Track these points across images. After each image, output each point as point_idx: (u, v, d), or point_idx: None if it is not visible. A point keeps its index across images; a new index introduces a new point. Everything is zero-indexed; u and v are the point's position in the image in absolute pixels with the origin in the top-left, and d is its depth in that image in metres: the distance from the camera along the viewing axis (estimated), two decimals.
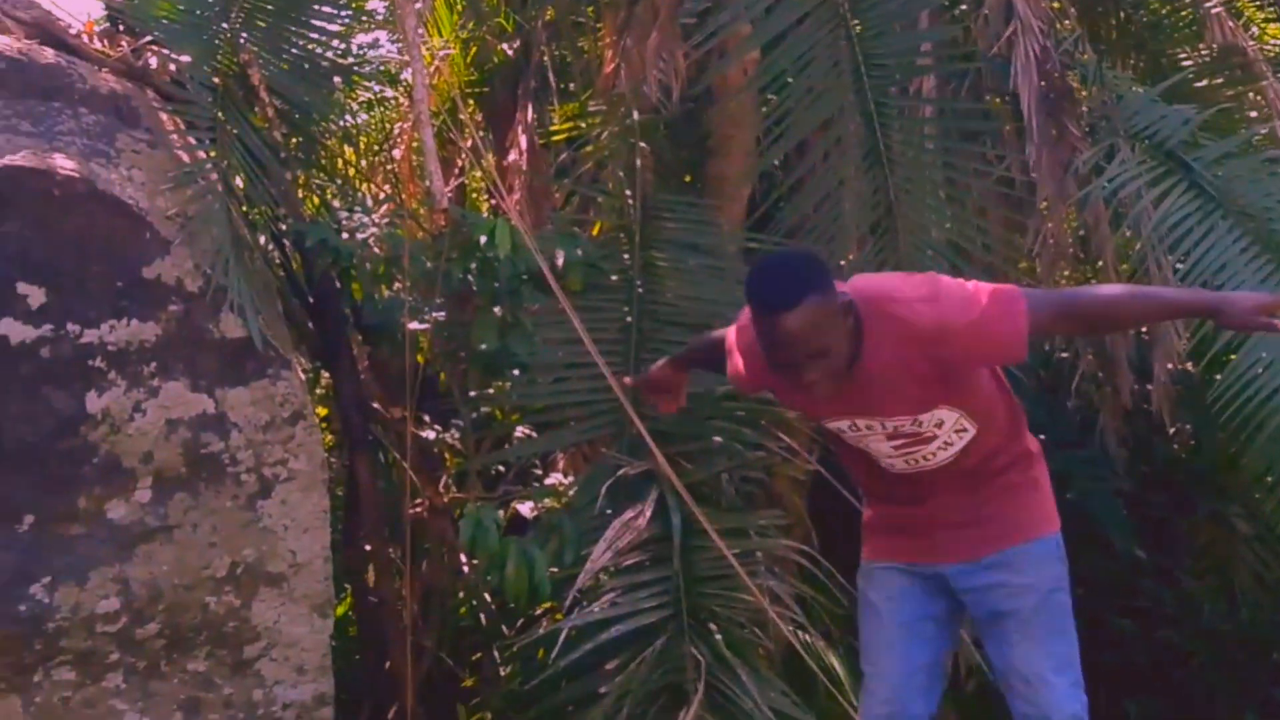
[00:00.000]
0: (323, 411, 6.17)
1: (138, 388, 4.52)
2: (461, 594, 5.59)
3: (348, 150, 6.94)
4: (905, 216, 5.76)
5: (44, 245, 4.44)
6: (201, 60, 5.37)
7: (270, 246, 5.67)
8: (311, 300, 5.58)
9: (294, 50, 5.90)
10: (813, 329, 3.44)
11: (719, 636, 4.80)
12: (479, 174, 6.89)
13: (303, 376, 4.95)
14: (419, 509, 5.44)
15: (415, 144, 6.33)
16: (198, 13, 5.59)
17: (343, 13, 6.32)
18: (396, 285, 5.40)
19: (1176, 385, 5.94)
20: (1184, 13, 6.90)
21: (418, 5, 5.81)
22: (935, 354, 3.62)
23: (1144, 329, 5.95)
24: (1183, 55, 6.77)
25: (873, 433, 3.79)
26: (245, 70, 5.52)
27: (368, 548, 5.45)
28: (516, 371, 5.59)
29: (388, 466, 5.64)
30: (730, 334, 3.93)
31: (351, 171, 6.96)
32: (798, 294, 3.45)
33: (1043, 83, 5.82)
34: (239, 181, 5.16)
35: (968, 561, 3.92)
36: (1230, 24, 6.43)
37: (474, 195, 7.20)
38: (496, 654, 5.50)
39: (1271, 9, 7.92)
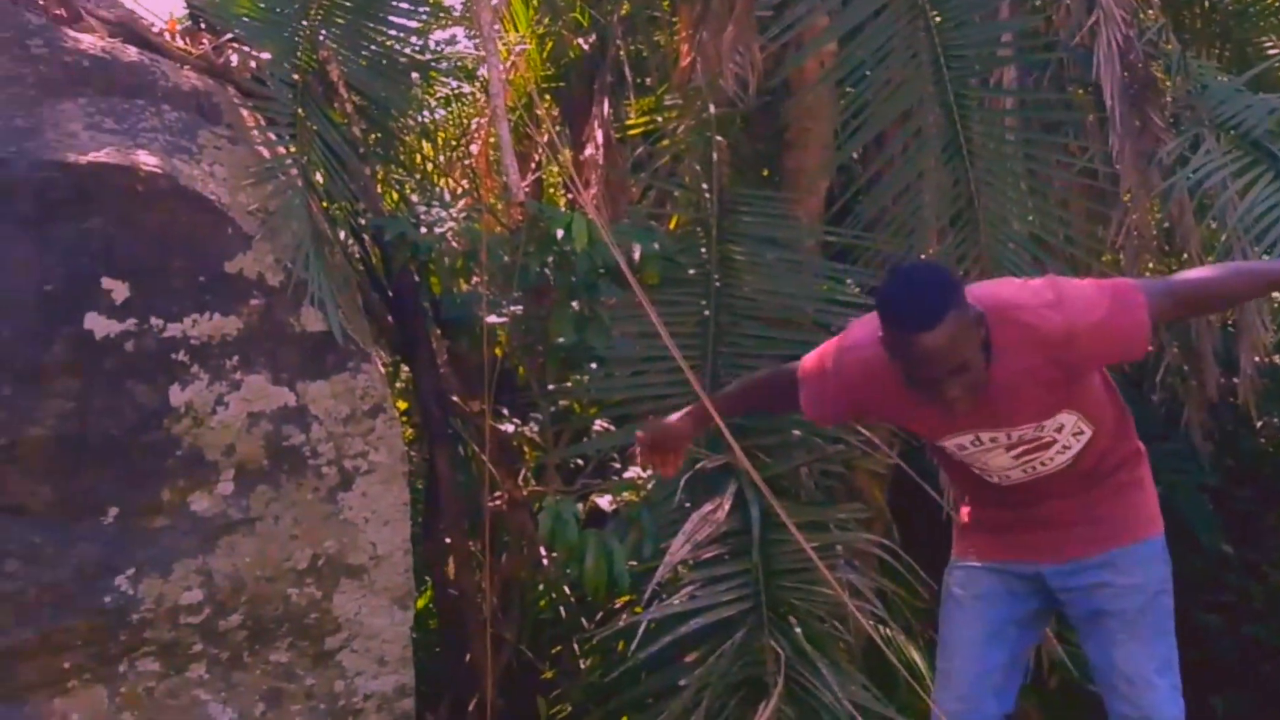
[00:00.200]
0: (403, 405, 6.19)
1: (220, 381, 4.56)
2: (541, 587, 5.59)
3: (426, 145, 6.96)
4: (986, 209, 5.71)
5: (127, 241, 4.48)
6: (281, 57, 5.41)
7: (350, 241, 5.71)
8: (391, 294, 5.61)
9: (372, 47, 5.95)
10: (954, 345, 3.42)
11: (799, 630, 4.78)
12: (556, 169, 6.90)
13: (382, 370, 4.97)
14: (498, 502, 5.45)
15: (492, 139, 6.34)
16: (278, 10, 5.64)
17: (420, 9, 6.36)
18: (475, 279, 5.40)
19: (1263, 378, 5.85)
20: (1270, 1, 6.80)
21: (494, 1, 5.82)
22: (1063, 358, 3.60)
23: (1230, 320, 5.86)
24: (1268, 44, 6.69)
25: (996, 445, 3.75)
26: (324, 67, 5.58)
27: (448, 540, 5.46)
28: (594, 365, 5.59)
29: (467, 460, 5.65)
30: (810, 364, 3.87)
31: (430, 166, 6.99)
32: (939, 311, 3.42)
33: (1125, 73, 5.76)
34: (319, 177, 5.19)
35: (1072, 561, 3.90)
36: None
37: (551, 190, 7.21)
38: (576, 647, 5.50)
39: None
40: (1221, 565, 6.08)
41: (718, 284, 5.75)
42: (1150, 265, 6.07)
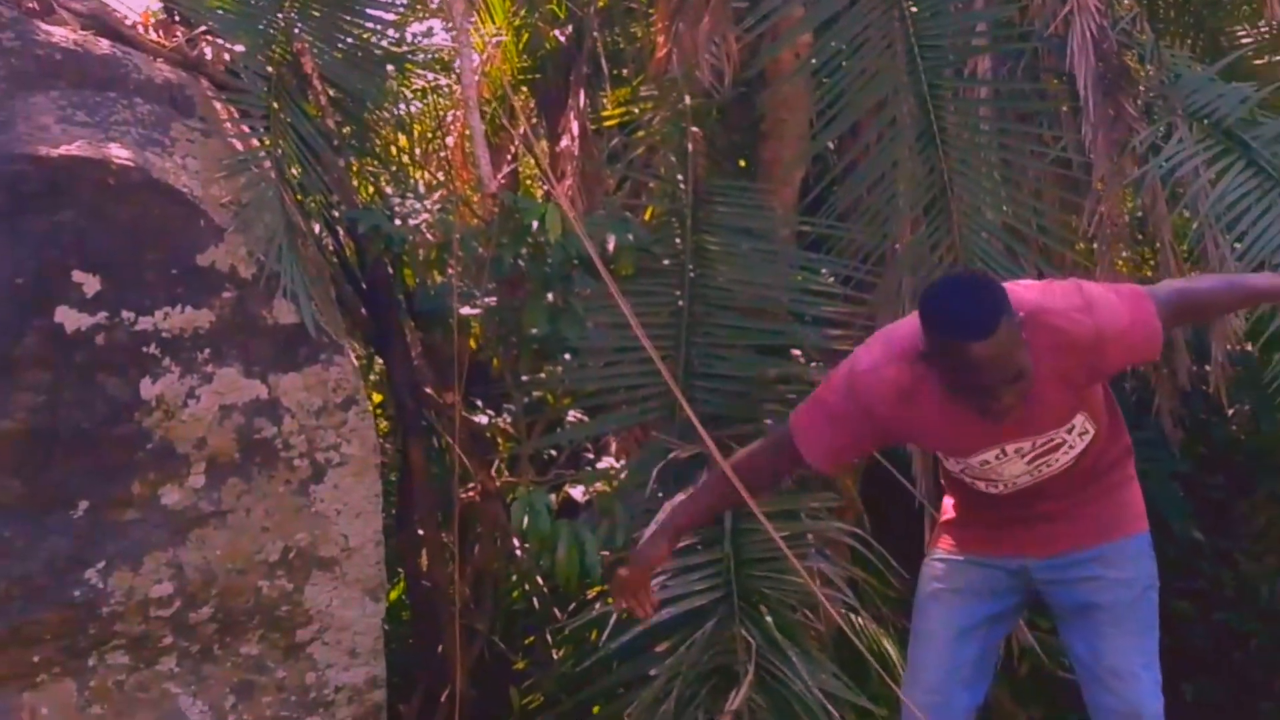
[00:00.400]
0: (378, 398, 6.21)
1: (191, 374, 4.57)
2: (514, 578, 5.61)
3: (401, 138, 6.97)
4: (960, 198, 5.72)
5: (99, 234, 4.49)
6: (255, 50, 5.42)
7: (324, 234, 5.71)
8: (364, 286, 5.63)
9: (348, 40, 5.94)
10: (1010, 352, 3.40)
11: (769, 619, 4.80)
12: (532, 161, 6.90)
13: (355, 362, 4.99)
14: (471, 493, 5.46)
15: (467, 131, 6.35)
16: (251, 3, 5.65)
17: (397, 1, 6.36)
18: (449, 271, 5.41)
19: (1234, 365, 5.88)
20: None
21: None
22: (1090, 362, 3.61)
23: None
24: (1241, 33, 6.70)
25: (1020, 455, 3.75)
26: (299, 59, 5.57)
27: (420, 532, 5.48)
28: (568, 356, 5.61)
29: (441, 451, 5.66)
30: (804, 410, 3.81)
31: (405, 159, 6.99)
32: (994, 318, 3.40)
33: (1099, 63, 5.76)
34: (292, 170, 5.19)
35: (1063, 555, 3.91)
36: None
37: (528, 182, 7.22)
38: (549, 637, 5.52)
39: None
40: (1193, 552, 6.11)
41: (692, 274, 5.75)
42: (1125, 254, 6.10)
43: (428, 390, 5.61)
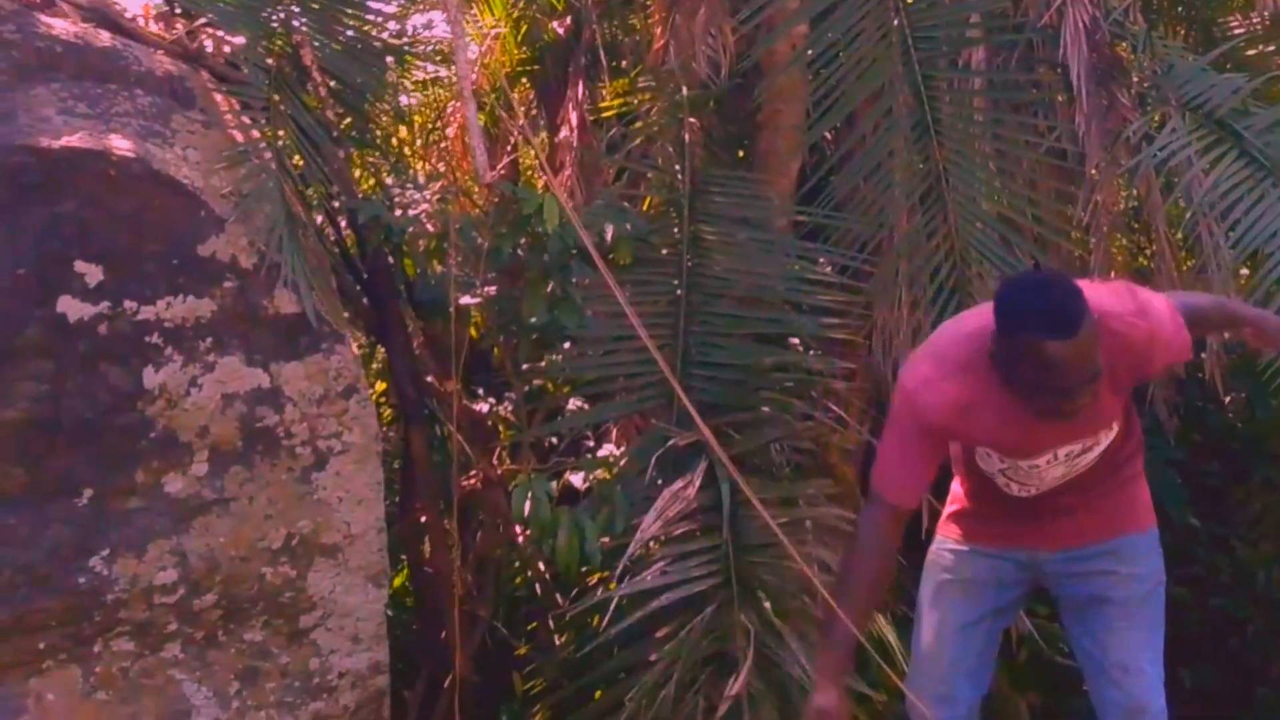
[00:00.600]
0: (380, 386, 6.25)
1: (194, 363, 4.59)
2: (515, 564, 5.65)
3: (401, 129, 7.00)
4: (954, 188, 5.77)
5: (101, 224, 4.51)
6: (255, 42, 5.45)
7: (324, 224, 5.74)
8: (365, 276, 5.65)
9: (348, 32, 5.96)
10: (1092, 351, 3.41)
11: (768, 604, 4.84)
12: (532, 152, 6.94)
13: (356, 351, 5.02)
14: (473, 481, 5.50)
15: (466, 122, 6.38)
16: None
17: None
18: (449, 260, 5.44)
19: (1229, 354, 5.92)
20: None
21: None
22: (1140, 365, 3.66)
23: None
24: (1234, 23, 6.73)
25: (1069, 459, 3.77)
26: (298, 51, 5.60)
27: (423, 519, 5.51)
28: (567, 344, 5.64)
29: (443, 439, 5.70)
30: (879, 469, 3.79)
31: (406, 150, 7.02)
32: (1078, 317, 3.40)
33: (1092, 53, 5.81)
34: (293, 160, 5.22)
35: (1078, 548, 3.94)
36: None
37: (529, 173, 7.25)
38: (550, 623, 5.56)
39: None
40: (1189, 539, 6.14)
41: (689, 263, 5.78)
42: (1121, 242, 6.14)
43: (429, 379, 5.65)
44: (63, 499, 4.36)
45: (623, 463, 5.33)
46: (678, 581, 4.84)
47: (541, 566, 5.55)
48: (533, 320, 5.41)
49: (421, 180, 5.91)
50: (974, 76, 6.13)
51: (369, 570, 4.79)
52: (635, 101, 6.66)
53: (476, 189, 6.00)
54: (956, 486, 4.17)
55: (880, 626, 5.10)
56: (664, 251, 5.88)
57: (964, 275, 5.61)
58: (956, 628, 4.02)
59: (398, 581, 6.07)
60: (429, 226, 5.48)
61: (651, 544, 4.95)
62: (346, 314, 5.36)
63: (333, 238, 5.68)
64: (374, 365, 6.17)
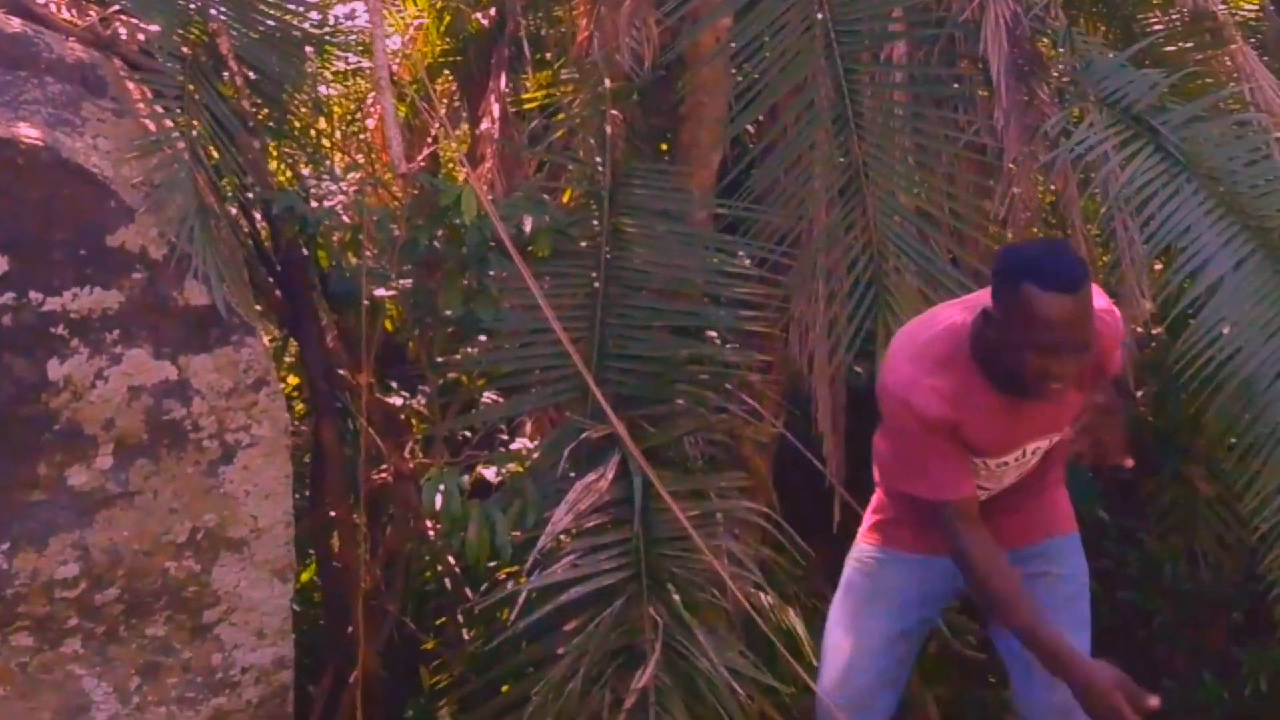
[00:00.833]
0: (294, 380, 6.22)
1: (100, 355, 4.56)
2: (426, 559, 5.64)
3: (321, 121, 6.96)
4: (874, 182, 5.77)
5: (8, 213, 4.46)
6: (171, 29, 5.38)
7: (238, 216, 5.70)
8: (279, 269, 5.62)
9: (267, 21, 5.92)
10: (1086, 315, 3.44)
11: (677, 597, 4.84)
12: (454, 144, 6.92)
13: (267, 344, 4.99)
14: (384, 475, 5.48)
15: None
16: None
17: None
18: (364, 253, 5.42)
19: (1142, 348, 5.96)
20: None
21: None
22: (1104, 361, 3.73)
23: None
24: (1153, 20, 6.77)
25: (1034, 455, 3.81)
26: (215, 39, 5.54)
27: (332, 514, 5.49)
28: (483, 337, 5.63)
29: (355, 433, 5.67)
30: (923, 483, 3.78)
31: (325, 142, 6.98)
32: (1082, 278, 3.44)
33: (1012, 48, 5.82)
34: (207, 151, 5.18)
35: (1008, 551, 3.94)
36: None
37: (451, 165, 7.22)
38: (460, 617, 5.55)
39: None
40: (1099, 533, 6.18)
41: (608, 256, 5.77)
42: (1037, 235, 6.15)
43: (342, 372, 5.62)
44: None
45: (535, 456, 5.32)
46: (587, 575, 4.84)
47: (451, 560, 5.54)
48: (448, 313, 5.39)
49: (339, 172, 5.86)
50: (895, 70, 6.13)
51: (275, 565, 4.77)
52: (558, 94, 6.65)
53: (395, 181, 5.97)
54: (881, 494, 4.17)
55: (790, 620, 5.12)
56: (583, 244, 5.87)
57: (881, 268, 5.62)
58: (882, 642, 4.03)
59: (306, 576, 6.05)
60: (345, 218, 5.45)
61: (562, 537, 4.95)
62: (259, 307, 5.33)
63: (246, 230, 5.63)
64: (287, 359, 6.13)
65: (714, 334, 5.75)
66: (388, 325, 5.81)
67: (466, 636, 5.48)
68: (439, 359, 5.56)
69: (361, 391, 5.38)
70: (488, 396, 5.75)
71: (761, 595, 5.13)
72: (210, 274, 4.71)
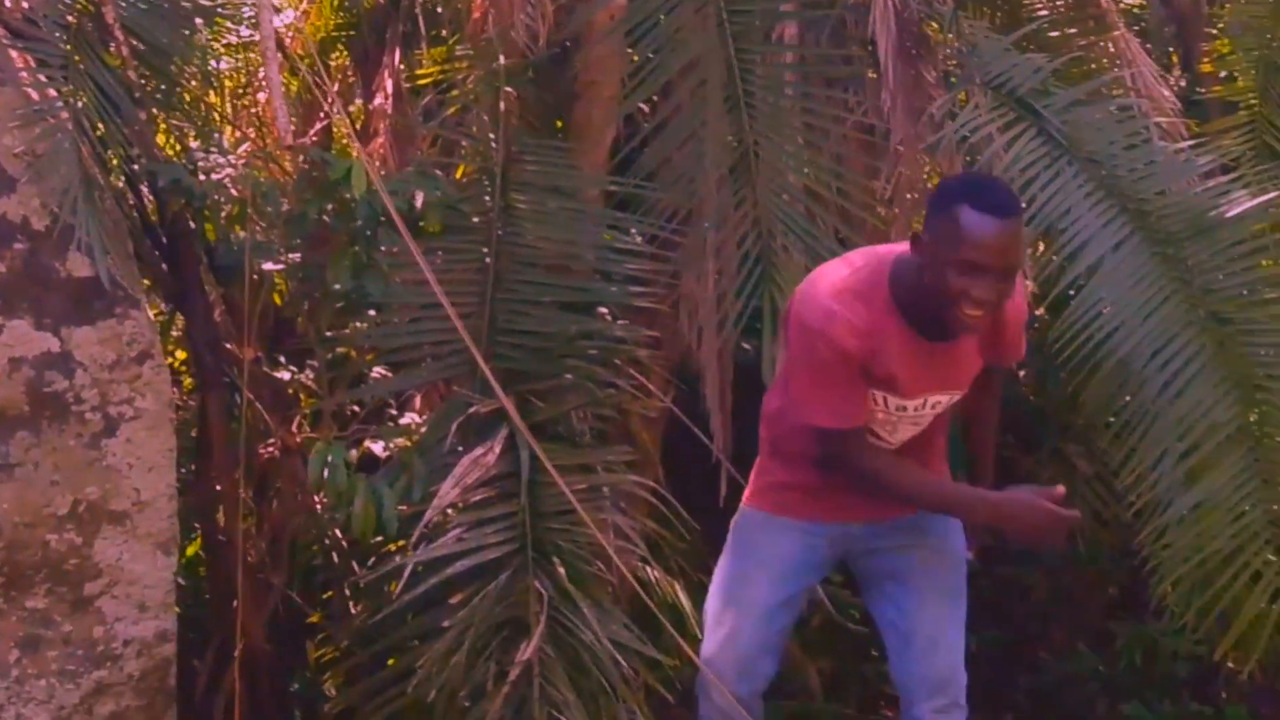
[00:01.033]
0: (183, 354, 6.17)
1: None
2: (313, 533, 5.62)
3: (212, 94, 6.89)
4: (764, 161, 5.84)
5: None
6: None
7: (124, 188, 5.64)
8: (165, 241, 5.57)
9: None
10: (1015, 245, 3.57)
11: (562, 570, 4.86)
12: (347, 119, 6.88)
13: (151, 316, 4.95)
14: (272, 449, 5.46)
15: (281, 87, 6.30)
16: None
17: None
18: (251, 226, 5.38)
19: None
20: None
21: None
22: (1003, 339, 3.89)
23: None
24: (1039, 6, 6.88)
25: (932, 409, 3.89)
26: (100, 9, 5.48)
27: (218, 488, 5.47)
28: (373, 312, 5.62)
29: (243, 408, 5.64)
30: (815, 412, 3.85)
31: (216, 115, 6.92)
32: (1016, 209, 3.60)
33: (901, 31, 5.90)
34: (92, 122, 5.12)
35: (884, 520, 4.01)
36: None
37: (344, 140, 7.18)
38: (346, 591, 5.54)
39: None
40: None
41: (500, 232, 5.77)
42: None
43: (229, 346, 5.58)
44: None
45: (423, 431, 5.33)
46: (473, 548, 4.85)
47: (338, 534, 5.53)
48: (337, 287, 5.38)
49: (226, 145, 5.82)
50: (786, 51, 6.19)
51: (158, 538, 4.74)
52: (453, 70, 6.64)
53: (287, 155, 5.93)
54: (768, 460, 4.21)
55: (675, 593, 5.17)
56: (475, 220, 5.86)
57: (770, 246, 5.68)
58: (763, 611, 4.07)
59: (191, 550, 6.02)
60: (234, 191, 5.41)
61: (449, 511, 4.95)
62: (146, 280, 5.28)
63: (132, 202, 5.58)
64: (174, 333, 6.08)
65: (604, 310, 5.78)
66: (276, 300, 5.78)
67: (353, 610, 5.47)
68: (328, 333, 5.54)
69: (248, 366, 5.36)
70: (377, 371, 5.74)
71: (647, 569, 5.18)
72: (94, 245, 4.68)
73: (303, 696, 5.72)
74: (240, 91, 7.33)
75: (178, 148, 6.13)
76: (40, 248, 4.66)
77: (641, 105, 6.35)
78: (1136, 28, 7.01)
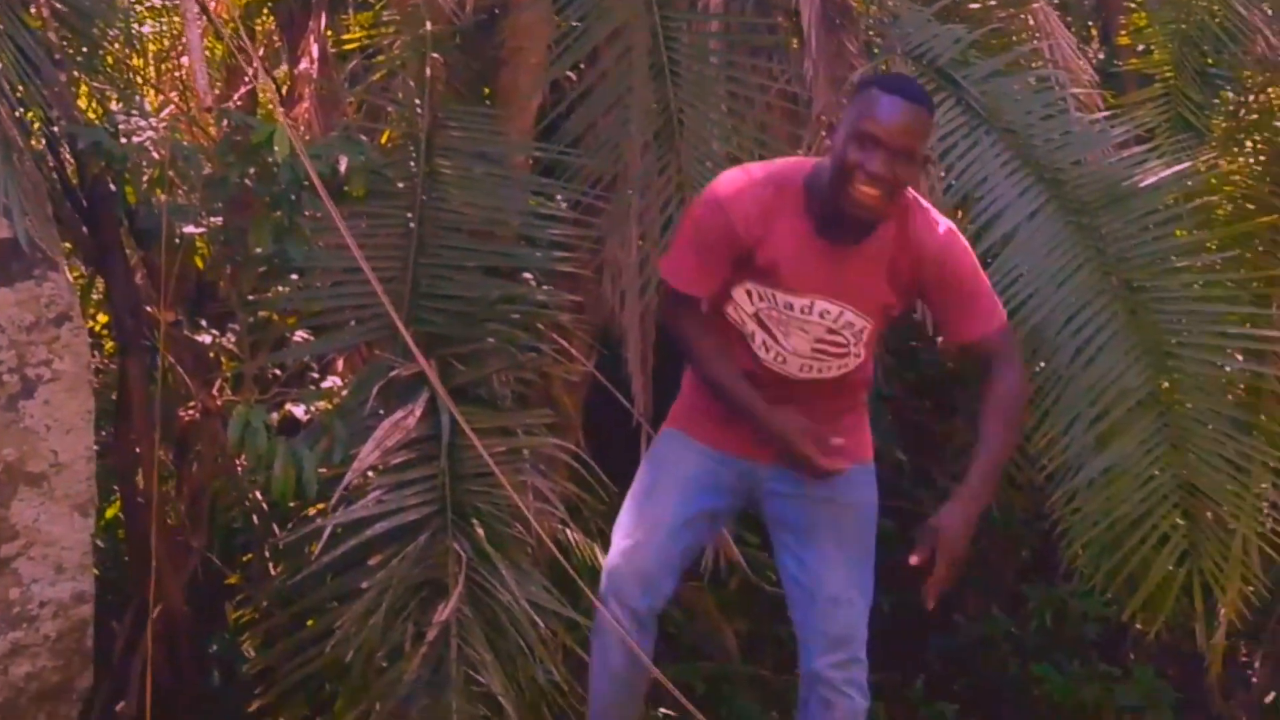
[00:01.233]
0: (104, 318, 6.16)
1: None
2: (233, 495, 5.64)
3: (135, 57, 6.85)
4: (688, 128, 5.89)
5: None
6: None
7: (44, 150, 5.61)
8: (85, 204, 5.55)
9: None
10: (917, 133, 3.70)
11: (481, 532, 4.91)
12: (272, 83, 6.86)
13: (70, 279, 4.94)
14: (192, 412, 5.47)
15: (203, 50, 6.28)
16: None
17: None
18: (172, 189, 5.38)
19: None
20: None
21: None
22: (915, 277, 3.87)
23: None
24: None
25: (822, 321, 3.90)
26: None
27: (138, 450, 5.47)
28: (295, 276, 5.62)
29: (165, 371, 5.65)
30: (669, 260, 4.01)
31: (140, 79, 6.88)
32: (926, 101, 3.79)
33: (823, 1, 5.95)
34: (9, 83, 5.09)
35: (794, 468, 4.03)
36: None
37: (270, 106, 7.17)
38: (266, 553, 5.56)
39: None
40: (896, 473, 6.37)
41: (424, 198, 5.78)
42: None
43: (149, 309, 5.58)
44: None
45: (344, 394, 5.35)
46: (392, 510, 4.89)
47: (258, 496, 5.55)
48: (259, 251, 5.38)
49: (148, 108, 5.80)
50: (711, 19, 6.22)
51: (76, 499, 4.74)
52: (379, 35, 6.62)
53: (209, 119, 5.92)
54: (686, 382, 4.24)
55: (593, 555, 5.22)
56: (400, 185, 5.87)
57: None
58: (676, 525, 4.03)
59: (111, 513, 6.02)
60: (155, 154, 5.39)
61: (369, 473, 4.98)
62: (66, 243, 5.27)
63: (52, 164, 5.56)
64: (95, 295, 6.06)
65: (528, 275, 5.81)
66: (199, 263, 5.78)
67: (272, 572, 5.50)
68: (250, 297, 5.54)
69: (169, 329, 5.35)
70: (299, 335, 5.74)
71: (567, 531, 5.23)
72: (12, 207, 4.65)
73: (221, 657, 5.76)
74: (164, 55, 7.29)
75: (99, 111, 6.09)
76: None
77: (568, 72, 6.37)
78: (1056, 0, 7.08)
